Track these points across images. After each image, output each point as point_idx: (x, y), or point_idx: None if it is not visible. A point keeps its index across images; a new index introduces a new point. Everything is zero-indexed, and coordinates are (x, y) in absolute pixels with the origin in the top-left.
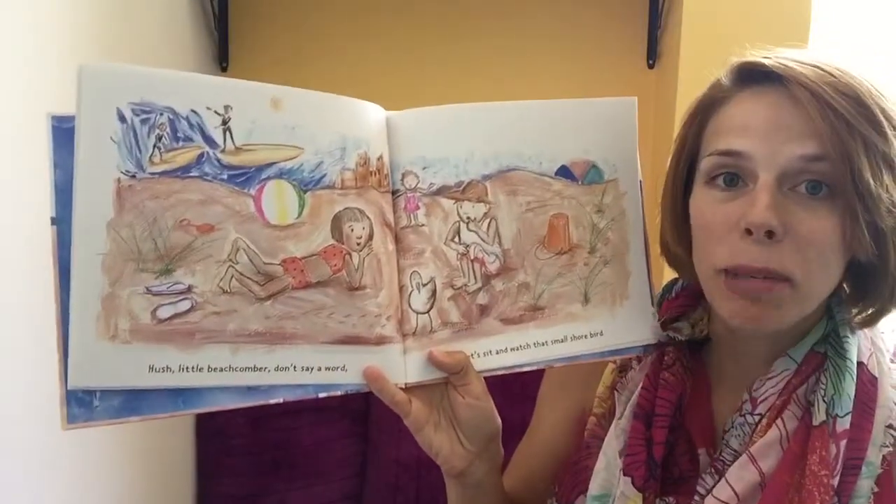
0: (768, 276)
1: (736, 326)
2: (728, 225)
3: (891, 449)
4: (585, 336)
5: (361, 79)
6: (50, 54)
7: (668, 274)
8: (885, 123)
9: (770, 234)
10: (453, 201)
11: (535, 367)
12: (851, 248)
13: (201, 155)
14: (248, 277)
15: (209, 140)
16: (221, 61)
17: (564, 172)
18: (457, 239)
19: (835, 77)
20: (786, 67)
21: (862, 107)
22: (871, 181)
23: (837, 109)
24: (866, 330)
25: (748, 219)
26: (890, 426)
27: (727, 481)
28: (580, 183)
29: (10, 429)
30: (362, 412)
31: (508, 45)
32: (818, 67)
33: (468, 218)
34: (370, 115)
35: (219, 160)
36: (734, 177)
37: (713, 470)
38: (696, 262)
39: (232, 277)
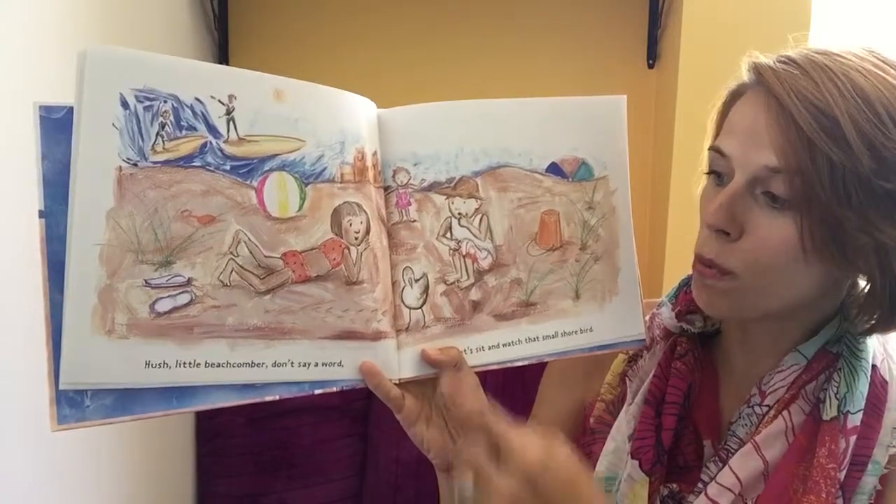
0: (713, 266)
1: (704, 311)
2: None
3: None
4: (576, 332)
5: (362, 78)
6: (49, 55)
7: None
8: (860, 139)
9: (725, 232)
10: (445, 197)
11: (526, 363)
12: (824, 259)
13: (204, 144)
14: (248, 270)
15: (213, 129)
16: (221, 61)
17: (554, 169)
18: (448, 234)
19: (817, 84)
20: (772, 72)
21: (831, 122)
22: (835, 202)
23: (801, 125)
24: (878, 336)
25: (703, 215)
26: None
27: (731, 468)
28: (570, 180)
29: (6, 429)
30: (362, 412)
31: (508, 45)
32: (808, 73)
33: (460, 214)
34: (364, 111)
35: (222, 150)
36: (721, 174)
37: (717, 458)
38: None
39: (232, 271)
